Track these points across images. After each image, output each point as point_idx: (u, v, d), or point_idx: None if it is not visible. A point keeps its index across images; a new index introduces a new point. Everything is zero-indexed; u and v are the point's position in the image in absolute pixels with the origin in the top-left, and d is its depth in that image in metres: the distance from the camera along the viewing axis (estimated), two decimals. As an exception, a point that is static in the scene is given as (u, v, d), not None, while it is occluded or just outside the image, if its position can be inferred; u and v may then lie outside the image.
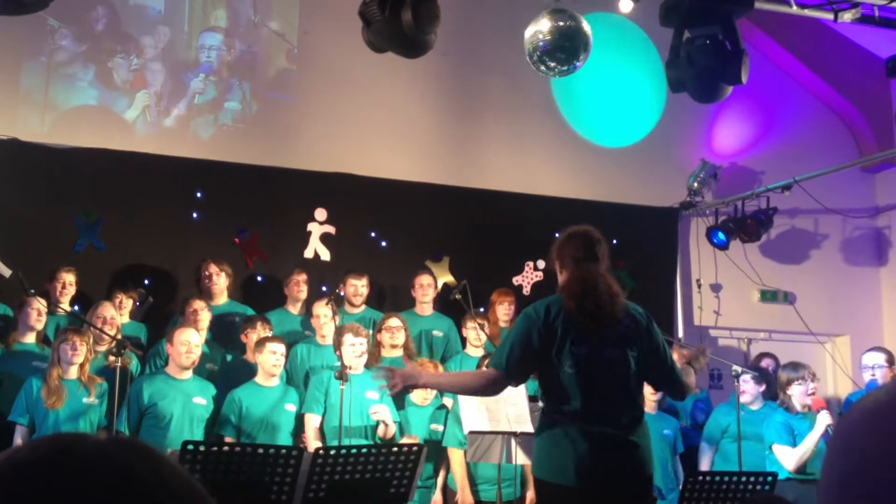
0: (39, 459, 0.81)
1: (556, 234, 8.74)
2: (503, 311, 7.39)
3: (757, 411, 6.68)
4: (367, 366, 6.49)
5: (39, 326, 6.23)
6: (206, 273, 7.07)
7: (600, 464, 3.77)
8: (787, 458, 5.92)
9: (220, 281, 7.06)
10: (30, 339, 6.23)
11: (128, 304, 6.81)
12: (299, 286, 7.22)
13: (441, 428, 6.39)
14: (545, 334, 3.83)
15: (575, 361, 3.81)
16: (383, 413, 6.14)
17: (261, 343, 6.25)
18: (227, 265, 7.17)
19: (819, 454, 5.87)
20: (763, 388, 6.80)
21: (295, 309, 7.27)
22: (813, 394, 6.21)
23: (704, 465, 6.75)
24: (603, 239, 4.07)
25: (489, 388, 4.01)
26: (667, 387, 4.16)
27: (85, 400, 5.86)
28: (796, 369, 6.26)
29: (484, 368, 4.37)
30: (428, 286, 7.48)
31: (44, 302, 6.18)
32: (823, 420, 5.85)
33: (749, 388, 6.73)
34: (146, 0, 8.15)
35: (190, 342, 6.00)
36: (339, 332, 6.28)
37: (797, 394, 6.17)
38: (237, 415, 6.04)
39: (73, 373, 5.85)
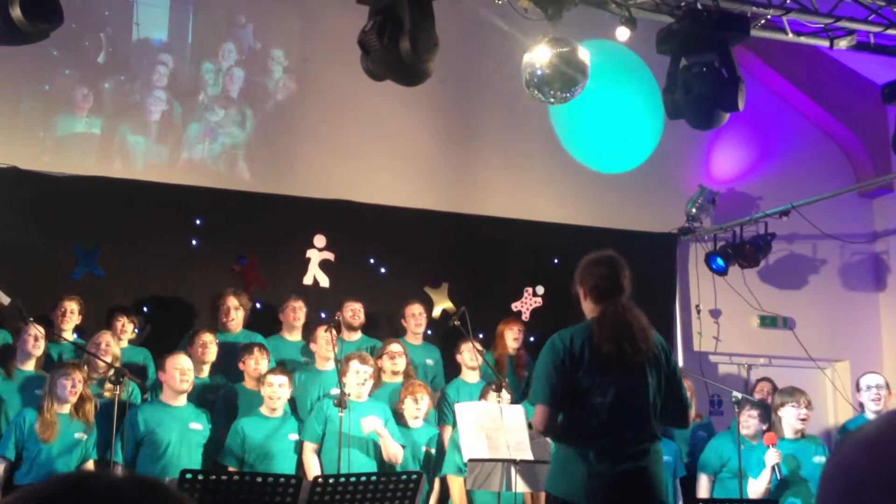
0: (55, 495, 0.82)
1: (555, 261, 8.72)
2: (512, 336, 7.38)
3: (756, 445, 6.62)
4: (371, 394, 6.48)
5: (38, 353, 6.20)
6: (225, 307, 6.99)
7: (615, 485, 3.83)
8: (749, 490, 6.00)
9: (238, 316, 7.01)
10: (29, 366, 6.20)
11: (129, 328, 6.77)
12: (296, 312, 7.18)
13: (433, 450, 6.37)
14: (570, 362, 3.89)
15: (598, 389, 3.87)
16: (372, 423, 6.08)
17: (265, 375, 6.27)
18: (245, 297, 7.12)
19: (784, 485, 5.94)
20: (766, 425, 6.73)
21: (292, 335, 7.24)
22: (805, 419, 6.17)
23: (703, 494, 6.69)
24: (625, 264, 4.10)
25: (548, 427, 3.90)
26: (674, 417, 4.17)
27: (76, 435, 5.82)
28: (791, 393, 6.23)
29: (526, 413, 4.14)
30: (420, 315, 7.46)
31: (41, 329, 6.16)
32: (771, 458, 5.84)
33: (753, 424, 6.68)
34: (149, 29, 8.19)
35: (184, 367, 6.01)
36: (346, 360, 6.29)
37: (789, 416, 6.13)
38: (240, 445, 6.05)
39: (65, 407, 5.81)
